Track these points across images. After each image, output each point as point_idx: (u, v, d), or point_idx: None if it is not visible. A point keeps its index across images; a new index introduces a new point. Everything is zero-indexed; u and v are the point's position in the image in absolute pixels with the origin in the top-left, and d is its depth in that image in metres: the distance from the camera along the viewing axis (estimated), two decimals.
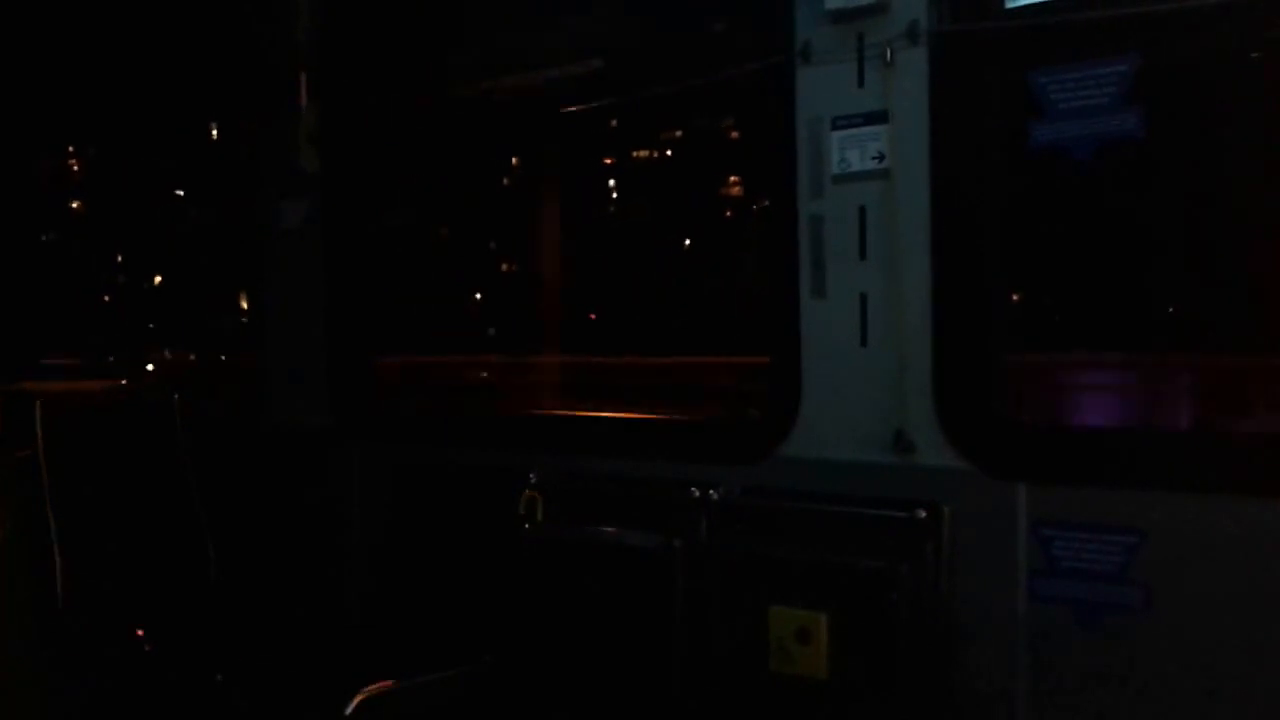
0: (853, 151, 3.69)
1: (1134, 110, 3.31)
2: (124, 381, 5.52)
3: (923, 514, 3.56)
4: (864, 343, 3.71)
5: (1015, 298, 4.14)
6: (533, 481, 4.34)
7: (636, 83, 4.37)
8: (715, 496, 3.97)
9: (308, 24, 5.09)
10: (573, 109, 4.65)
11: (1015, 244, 3.75)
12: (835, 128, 3.72)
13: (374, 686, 4.09)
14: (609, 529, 4.15)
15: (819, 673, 3.68)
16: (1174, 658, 3.24)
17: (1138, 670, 3.29)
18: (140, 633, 4.66)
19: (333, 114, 5.15)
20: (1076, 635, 3.37)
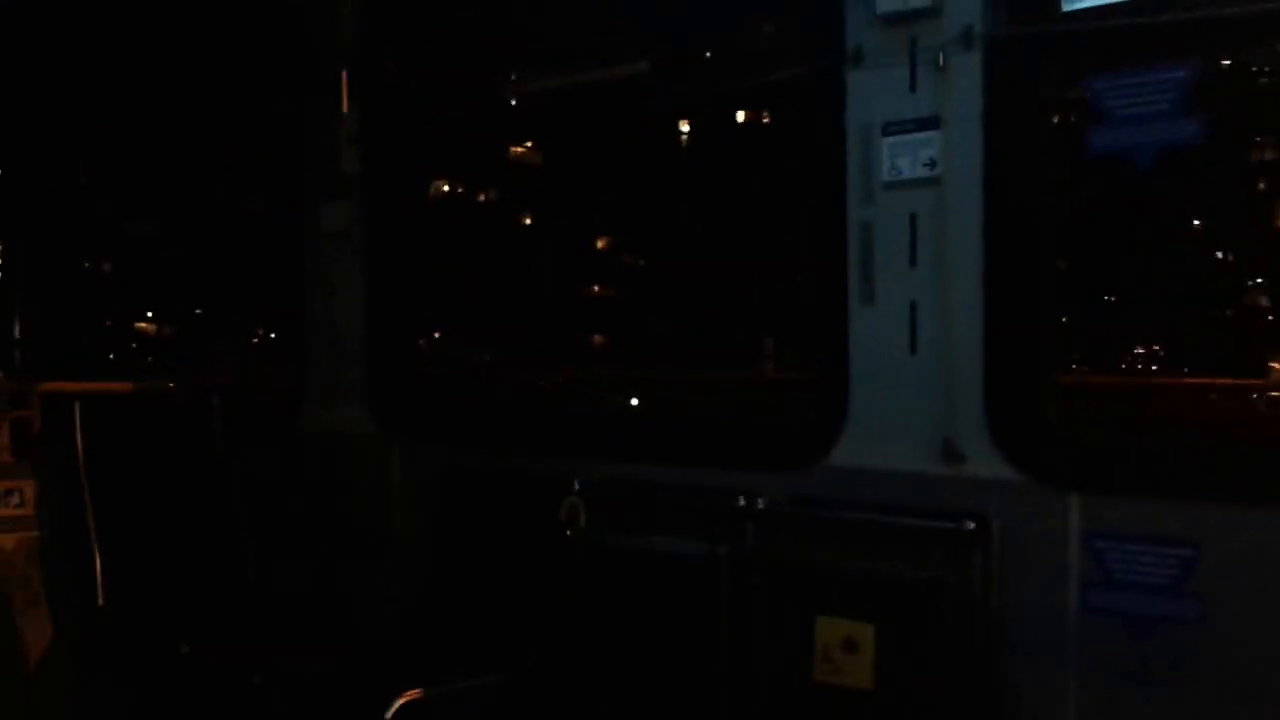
0: (904, 158, 3.64)
1: (1194, 117, 3.26)
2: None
3: (971, 525, 3.52)
4: (914, 351, 3.67)
5: None
6: (576, 488, 4.31)
7: (687, 85, 4.35)
8: (761, 505, 3.93)
9: (351, 25, 5.08)
10: (621, 111, 4.63)
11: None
12: (887, 133, 3.67)
13: (414, 692, 4.07)
14: (653, 536, 4.12)
15: (865, 683, 3.64)
16: (1228, 672, 3.19)
17: (1191, 685, 3.24)
18: (178, 634, 4.66)
19: (376, 115, 5.14)
20: (1129, 648, 3.33)
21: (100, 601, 4.64)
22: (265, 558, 5.05)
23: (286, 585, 5.09)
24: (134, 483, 4.88)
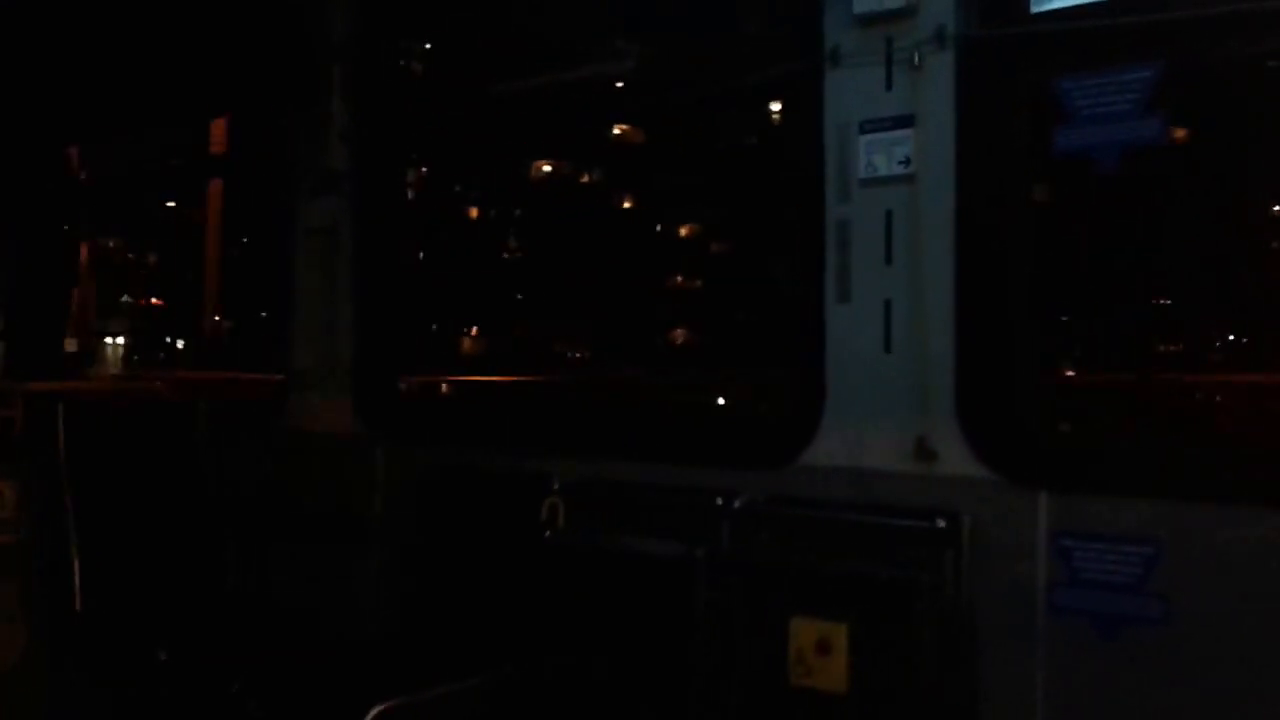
0: (880, 155, 3.68)
1: (1159, 116, 3.30)
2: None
3: (942, 523, 3.53)
4: (888, 349, 3.69)
5: None
6: (555, 488, 4.32)
7: (668, 85, 4.39)
8: (737, 504, 3.94)
9: (343, 22, 5.11)
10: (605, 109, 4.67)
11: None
12: (863, 131, 3.71)
13: (390, 700, 4.04)
14: (631, 536, 4.12)
15: (838, 686, 3.64)
16: (1192, 670, 3.20)
17: (1156, 682, 3.25)
18: (157, 640, 4.64)
19: (365, 111, 5.16)
20: (1096, 647, 3.33)
21: (78, 606, 4.62)
22: (247, 561, 5.04)
23: (268, 589, 5.07)
24: (116, 485, 4.87)
